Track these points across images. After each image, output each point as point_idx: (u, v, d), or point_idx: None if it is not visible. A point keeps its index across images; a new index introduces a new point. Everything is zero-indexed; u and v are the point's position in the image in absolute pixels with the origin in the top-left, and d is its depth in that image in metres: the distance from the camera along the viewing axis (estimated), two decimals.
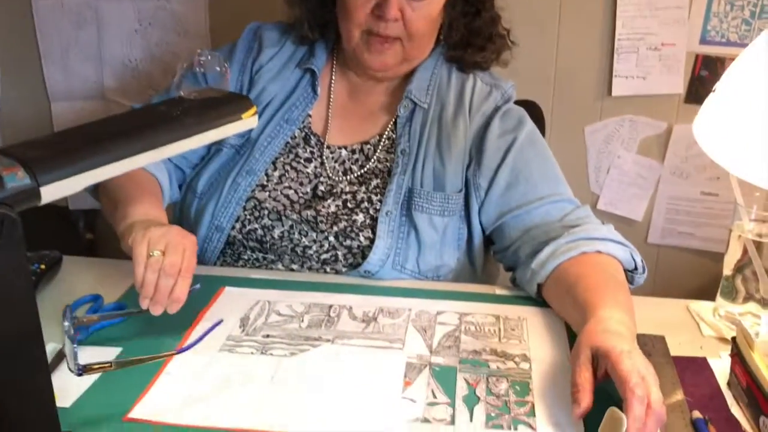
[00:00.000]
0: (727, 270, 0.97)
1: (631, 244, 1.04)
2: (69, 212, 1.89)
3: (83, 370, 0.79)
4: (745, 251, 0.93)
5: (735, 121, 0.87)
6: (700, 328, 0.99)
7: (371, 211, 1.13)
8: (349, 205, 1.14)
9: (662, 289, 1.79)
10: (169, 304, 0.93)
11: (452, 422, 0.80)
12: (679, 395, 0.84)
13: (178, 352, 0.86)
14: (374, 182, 1.15)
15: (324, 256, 1.13)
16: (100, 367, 0.80)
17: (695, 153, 1.73)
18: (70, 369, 0.79)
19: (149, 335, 0.96)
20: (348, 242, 1.12)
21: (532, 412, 0.82)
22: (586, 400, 0.77)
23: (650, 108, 1.71)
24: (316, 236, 1.12)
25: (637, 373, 0.74)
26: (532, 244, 1.08)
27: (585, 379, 0.79)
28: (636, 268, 1.04)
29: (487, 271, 1.24)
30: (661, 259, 1.83)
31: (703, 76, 1.66)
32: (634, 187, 1.78)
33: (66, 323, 0.81)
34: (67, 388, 0.86)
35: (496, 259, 1.20)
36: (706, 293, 1.71)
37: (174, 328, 0.98)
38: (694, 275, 1.80)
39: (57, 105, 1.83)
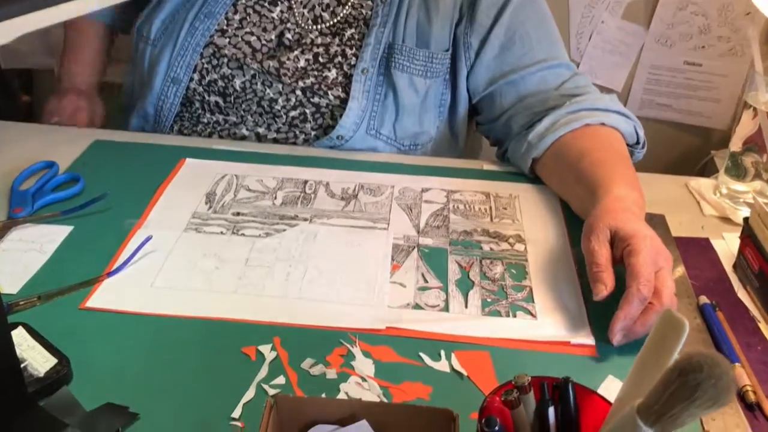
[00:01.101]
0: (735, 146, 0.91)
1: (634, 116, 0.96)
2: (1, 72, 1.71)
3: (8, 308, 0.70)
4: (759, 127, 0.86)
5: None
6: (700, 206, 0.93)
7: (345, 67, 1.01)
8: (321, 59, 1.01)
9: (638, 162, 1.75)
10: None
11: (446, 308, 0.74)
12: (684, 279, 0.79)
13: (109, 275, 0.76)
14: (348, 32, 1.02)
15: (292, 113, 1.02)
16: (27, 303, 0.72)
17: (682, 19, 1.63)
18: None
19: (105, 212, 0.86)
20: (316, 99, 1.01)
21: (530, 298, 0.76)
22: (611, 279, 0.70)
23: None
24: (282, 88, 1.01)
25: (653, 267, 0.69)
26: (527, 114, 0.99)
27: (607, 259, 0.72)
28: (638, 142, 0.96)
29: (469, 146, 1.16)
30: None
31: None
32: (616, 55, 1.69)
33: None
34: (13, 272, 0.76)
35: (482, 131, 1.11)
36: (684, 167, 1.68)
37: (132, 205, 0.88)
38: (671, 148, 1.75)
39: None
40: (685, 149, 1.76)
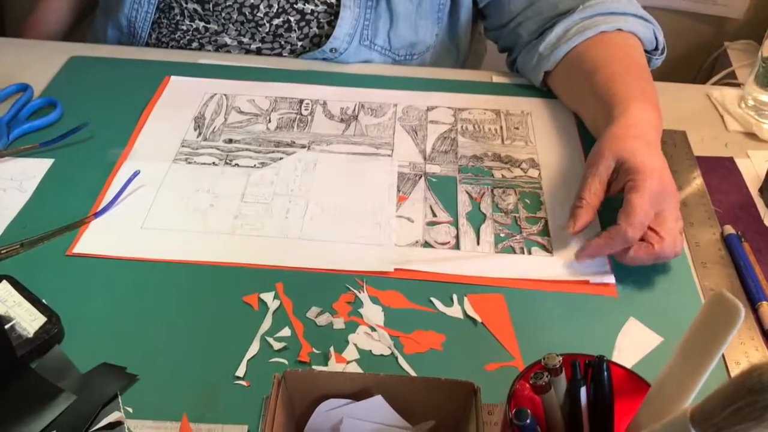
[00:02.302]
0: None
1: (653, 19, 0.88)
2: None
3: None
4: None
5: None
6: (724, 120, 0.87)
7: None
8: None
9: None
10: None
11: (456, 245, 0.69)
12: (707, 205, 0.75)
13: (96, 216, 0.71)
14: None
15: (275, 21, 0.94)
16: (9, 250, 0.67)
17: None
18: None
19: (87, 141, 0.80)
20: (300, 5, 0.92)
21: (545, 231, 0.71)
22: (585, 219, 0.67)
23: None
24: None
25: (651, 209, 0.64)
26: (537, 19, 0.90)
27: (593, 193, 0.68)
28: (656, 48, 0.89)
29: (473, 50, 1.08)
30: None
31: None
32: None
33: None
34: None
35: (489, 37, 1.02)
36: (695, 59, 1.60)
37: (116, 132, 0.82)
38: (682, 39, 1.66)
39: None
40: (697, 40, 1.66)
